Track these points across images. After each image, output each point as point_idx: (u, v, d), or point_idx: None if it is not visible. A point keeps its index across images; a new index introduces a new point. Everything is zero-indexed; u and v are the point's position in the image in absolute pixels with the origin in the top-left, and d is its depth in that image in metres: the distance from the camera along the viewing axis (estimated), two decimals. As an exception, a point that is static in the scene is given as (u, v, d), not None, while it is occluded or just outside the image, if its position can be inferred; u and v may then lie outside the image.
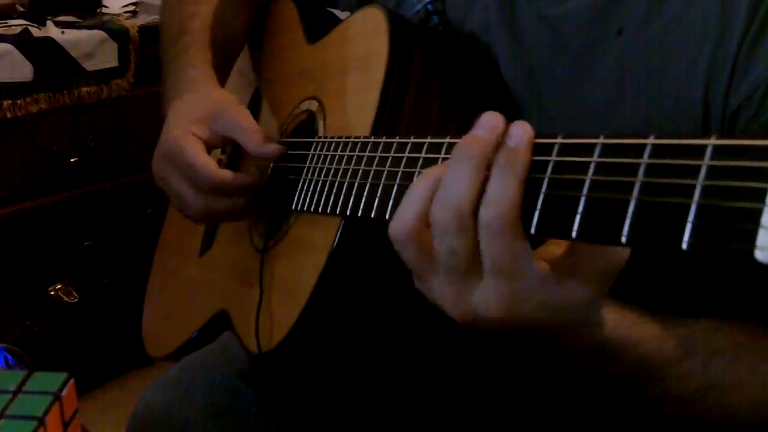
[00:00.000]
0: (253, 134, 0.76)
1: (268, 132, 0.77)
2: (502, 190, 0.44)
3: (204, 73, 0.86)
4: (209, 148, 0.79)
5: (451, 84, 0.69)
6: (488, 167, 0.45)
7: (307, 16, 0.90)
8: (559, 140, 0.44)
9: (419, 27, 0.75)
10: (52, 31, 1.73)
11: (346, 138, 0.67)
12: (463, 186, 0.45)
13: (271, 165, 0.81)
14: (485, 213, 0.44)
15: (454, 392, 0.80)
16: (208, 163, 0.76)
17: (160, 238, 1.08)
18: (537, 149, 0.45)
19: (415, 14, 0.77)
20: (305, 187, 0.71)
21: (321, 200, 0.67)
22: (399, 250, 0.49)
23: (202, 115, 0.79)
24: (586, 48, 0.65)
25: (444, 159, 0.53)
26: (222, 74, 0.91)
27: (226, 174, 0.76)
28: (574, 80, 0.66)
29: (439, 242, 0.46)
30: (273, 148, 0.75)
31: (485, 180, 0.45)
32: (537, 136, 0.46)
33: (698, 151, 0.37)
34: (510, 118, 0.66)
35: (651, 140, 0.40)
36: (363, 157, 0.63)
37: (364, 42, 0.72)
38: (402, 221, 0.48)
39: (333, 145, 0.68)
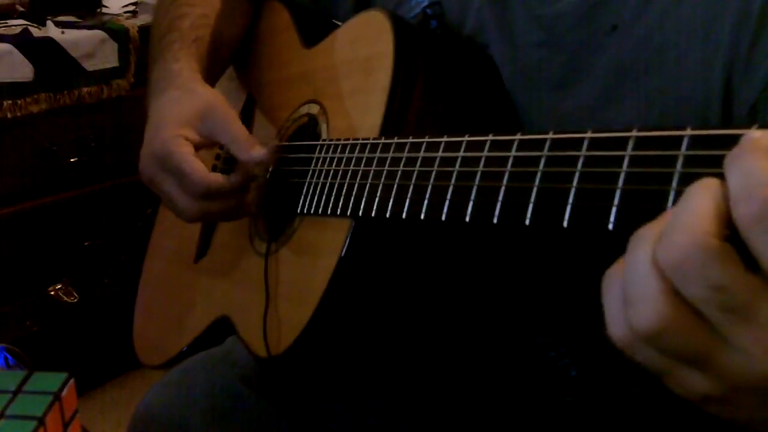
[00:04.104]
0: (243, 143, 0.75)
1: (258, 138, 0.77)
2: (754, 173, 0.33)
3: (189, 67, 0.85)
4: (198, 149, 0.78)
5: (455, 85, 0.69)
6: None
7: (300, 20, 0.90)
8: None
9: (420, 29, 0.75)
10: (52, 31, 1.73)
11: (354, 140, 0.66)
12: (695, 210, 0.34)
13: (271, 168, 0.81)
14: (743, 208, 0.33)
15: (460, 396, 0.80)
16: (198, 169, 0.75)
17: (149, 245, 1.07)
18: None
19: (413, 18, 0.76)
20: (311, 190, 0.71)
21: (330, 202, 0.67)
22: (668, 338, 0.35)
23: (190, 116, 0.78)
24: (581, 46, 0.65)
25: (463, 157, 0.53)
26: (211, 76, 0.90)
27: (217, 178, 0.75)
28: (570, 79, 0.66)
29: (693, 289, 0.34)
30: (263, 153, 0.75)
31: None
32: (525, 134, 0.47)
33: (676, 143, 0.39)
34: (509, 119, 0.66)
35: (635, 133, 0.41)
36: (374, 157, 0.63)
37: (367, 44, 0.72)
38: (649, 302, 0.35)
39: (340, 147, 0.68)
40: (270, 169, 0.81)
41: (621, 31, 0.62)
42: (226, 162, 0.89)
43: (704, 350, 0.35)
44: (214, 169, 0.91)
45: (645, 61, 0.61)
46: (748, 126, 0.35)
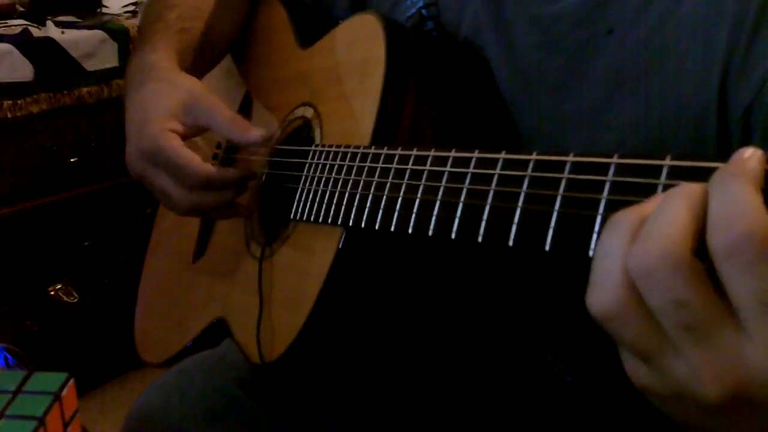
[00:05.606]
0: (235, 125, 0.75)
1: (246, 120, 0.77)
2: (737, 201, 0.33)
3: (166, 57, 0.84)
4: (185, 139, 0.78)
5: (448, 90, 0.69)
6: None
7: (297, 18, 0.89)
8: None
9: (414, 32, 0.75)
10: (52, 31, 1.73)
11: (345, 148, 0.66)
12: (673, 221, 0.34)
13: (266, 171, 0.81)
14: (720, 237, 0.33)
15: (455, 400, 0.80)
16: (192, 160, 0.74)
17: (150, 243, 1.06)
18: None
19: (409, 19, 0.76)
20: (304, 197, 0.70)
21: (322, 210, 0.67)
22: (616, 329, 0.36)
23: (173, 108, 0.77)
24: (579, 48, 0.64)
25: (450, 172, 0.53)
26: (198, 69, 0.88)
27: (212, 169, 0.75)
28: (568, 81, 0.65)
29: (655, 299, 0.34)
30: (260, 135, 0.74)
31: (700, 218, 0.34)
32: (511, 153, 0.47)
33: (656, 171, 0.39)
34: (503, 123, 0.65)
35: (615, 159, 0.41)
36: (364, 167, 0.62)
37: (361, 48, 0.72)
38: (607, 290, 0.36)
39: (332, 154, 0.68)
40: (265, 172, 0.81)
41: (620, 33, 0.62)
42: (228, 152, 0.90)
43: (651, 349, 0.36)
44: (215, 157, 0.91)
45: (644, 64, 0.60)
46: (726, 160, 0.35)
